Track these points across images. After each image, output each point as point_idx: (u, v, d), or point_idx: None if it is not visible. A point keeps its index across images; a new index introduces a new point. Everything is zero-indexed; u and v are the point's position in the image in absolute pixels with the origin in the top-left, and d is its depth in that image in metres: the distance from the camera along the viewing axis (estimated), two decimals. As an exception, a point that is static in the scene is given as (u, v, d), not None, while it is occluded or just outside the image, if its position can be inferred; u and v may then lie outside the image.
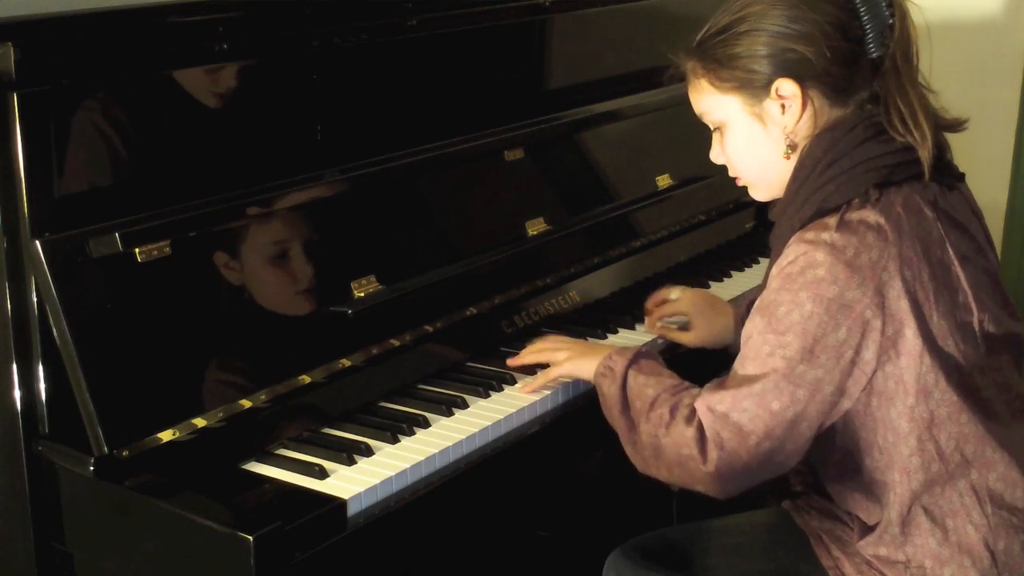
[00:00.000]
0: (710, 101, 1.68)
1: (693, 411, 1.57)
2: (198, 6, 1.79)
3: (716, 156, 1.73)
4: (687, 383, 1.66)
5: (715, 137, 1.72)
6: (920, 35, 1.64)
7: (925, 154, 1.58)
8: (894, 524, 1.60)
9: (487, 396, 1.86)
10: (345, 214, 1.90)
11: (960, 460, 1.58)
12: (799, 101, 1.61)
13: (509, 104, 2.30)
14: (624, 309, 2.19)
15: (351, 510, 1.55)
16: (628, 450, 1.66)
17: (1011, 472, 1.59)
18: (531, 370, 1.93)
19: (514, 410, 1.81)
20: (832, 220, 1.54)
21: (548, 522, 2.52)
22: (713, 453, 1.54)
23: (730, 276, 2.45)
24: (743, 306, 1.99)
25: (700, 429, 1.55)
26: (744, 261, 2.53)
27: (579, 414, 1.90)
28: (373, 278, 1.88)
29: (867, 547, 1.63)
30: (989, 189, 3.12)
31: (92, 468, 1.54)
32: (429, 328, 1.93)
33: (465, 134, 2.15)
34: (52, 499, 1.64)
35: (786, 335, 1.52)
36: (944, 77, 3.17)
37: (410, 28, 2.07)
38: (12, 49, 1.52)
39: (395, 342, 1.88)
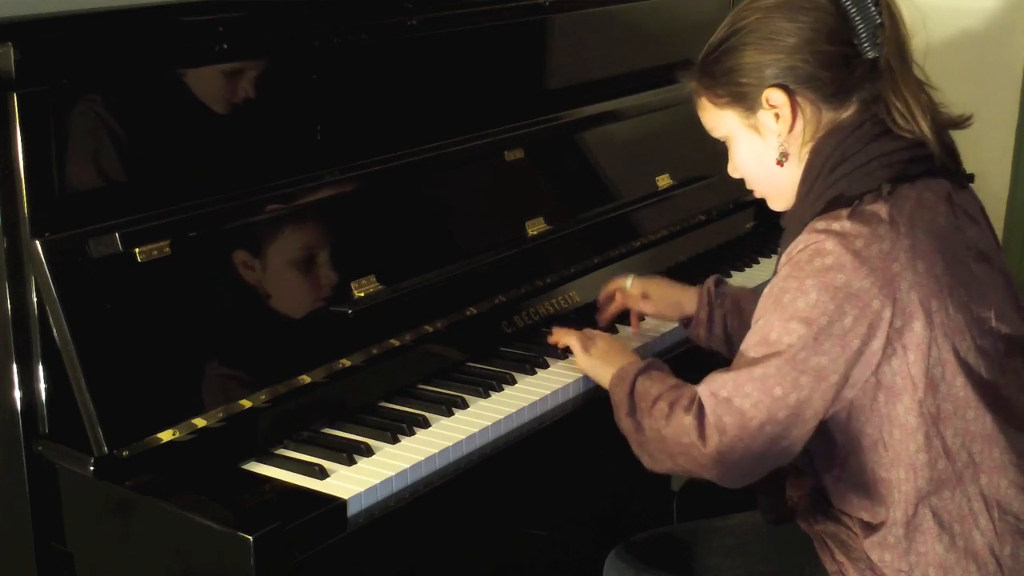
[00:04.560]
0: (712, 117, 1.72)
1: (692, 401, 1.58)
2: (198, 6, 1.79)
3: (732, 171, 1.75)
4: (690, 384, 1.67)
5: (729, 152, 1.75)
6: (916, 32, 1.64)
7: (935, 149, 1.59)
8: (899, 524, 1.59)
9: (487, 396, 1.86)
10: (345, 214, 1.90)
11: (967, 460, 1.57)
12: (789, 109, 1.62)
13: (509, 104, 2.30)
14: (624, 309, 2.19)
15: (351, 510, 1.55)
16: (636, 451, 1.67)
17: (1020, 478, 1.59)
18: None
19: (514, 410, 1.82)
20: (844, 211, 1.55)
21: (548, 522, 2.52)
22: (715, 438, 1.54)
23: (730, 276, 2.45)
24: (726, 297, 1.99)
25: (699, 416, 1.56)
26: (744, 261, 2.53)
27: (579, 414, 1.90)
28: (373, 278, 1.88)
29: (872, 549, 1.62)
30: (989, 189, 3.11)
31: (92, 468, 1.54)
32: (429, 328, 1.93)
33: (465, 134, 2.15)
34: (52, 499, 1.64)
35: (791, 322, 1.53)
36: (944, 77, 3.17)
37: (410, 28, 2.07)
38: (12, 49, 1.52)
39: (395, 342, 1.88)
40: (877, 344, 1.53)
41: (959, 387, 1.55)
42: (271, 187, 1.82)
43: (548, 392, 1.88)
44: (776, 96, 1.62)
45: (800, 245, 1.55)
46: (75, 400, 1.55)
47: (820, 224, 1.55)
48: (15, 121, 1.54)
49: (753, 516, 1.86)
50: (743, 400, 1.53)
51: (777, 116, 1.63)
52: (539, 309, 2.14)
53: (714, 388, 1.56)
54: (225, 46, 1.78)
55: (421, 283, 1.93)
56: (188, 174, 1.76)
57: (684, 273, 2.40)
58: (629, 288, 2.10)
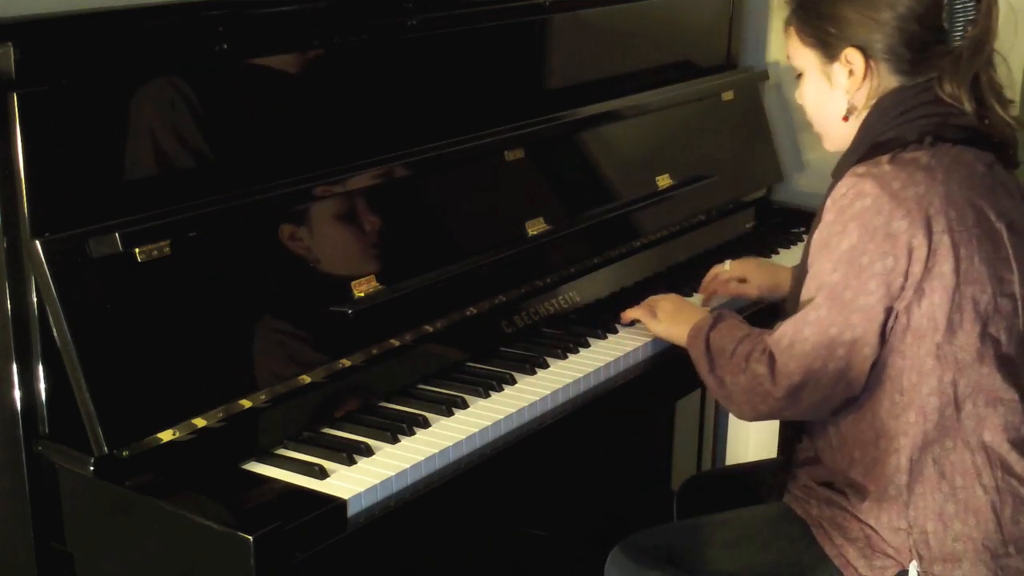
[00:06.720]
0: (794, 49, 1.82)
1: (763, 351, 1.68)
2: (198, 6, 1.79)
3: (798, 97, 1.85)
4: (758, 330, 1.77)
5: (799, 81, 1.84)
6: (1008, 21, 1.75)
7: (977, 123, 1.67)
8: (902, 471, 1.64)
9: (487, 396, 1.86)
10: (345, 214, 1.90)
11: (972, 412, 1.62)
12: (863, 71, 1.72)
13: (509, 104, 2.30)
14: (624, 309, 2.19)
15: (351, 510, 1.55)
16: (723, 404, 1.78)
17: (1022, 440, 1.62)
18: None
19: (514, 410, 1.82)
20: (885, 157, 1.65)
21: (548, 521, 2.52)
22: (783, 383, 1.64)
23: (730, 276, 2.45)
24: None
25: (770, 365, 1.66)
26: (744, 261, 2.53)
27: (579, 414, 1.90)
28: (373, 278, 1.88)
29: (871, 511, 1.65)
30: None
31: (92, 468, 1.54)
32: (429, 328, 1.94)
33: (465, 134, 2.15)
34: (52, 499, 1.64)
35: (837, 263, 1.62)
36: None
37: (410, 28, 2.07)
38: (12, 49, 1.52)
39: (395, 342, 1.88)
40: (911, 282, 1.60)
41: (976, 337, 1.62)
42: (270, 187, 1.82)
43: (548, 392, 1.88)
44: (855, 56, 1.72)
45: (842, 189, 1.64)
46: (75, 400, 1.55)
47: (860, 168, 1.64)
48: (15, 121, 1.54)
49: (752, 511, 1.88)
50: (803, 344, 1.63)
51: (851, 73, 1.73)
52: (539, 309, 2.14)
53: (777, 338, 1.67)
54: (225, 46, 1.78)
55: (421, 283, 1.93)
56: (188, 174, 1.76)
57: (684, 273, 2.40)
58: (728, 271, 2.20)
